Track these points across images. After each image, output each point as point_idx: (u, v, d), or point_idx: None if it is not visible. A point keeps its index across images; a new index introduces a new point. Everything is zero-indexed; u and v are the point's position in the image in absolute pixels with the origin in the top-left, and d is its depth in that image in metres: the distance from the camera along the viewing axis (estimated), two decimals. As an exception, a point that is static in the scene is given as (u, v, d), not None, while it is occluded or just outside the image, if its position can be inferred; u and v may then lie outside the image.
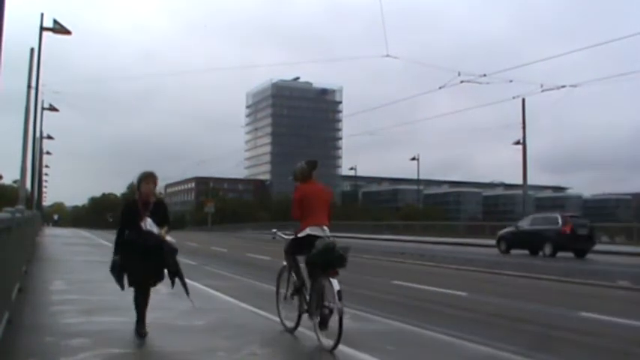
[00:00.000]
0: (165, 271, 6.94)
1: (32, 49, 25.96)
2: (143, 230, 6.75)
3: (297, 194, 7.47)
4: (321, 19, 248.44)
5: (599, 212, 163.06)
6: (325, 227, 7.35)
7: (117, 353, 6.18)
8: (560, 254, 26.71)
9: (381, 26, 32.69)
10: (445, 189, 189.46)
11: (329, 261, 6.74)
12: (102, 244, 31.25)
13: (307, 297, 7.22)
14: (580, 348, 7.81)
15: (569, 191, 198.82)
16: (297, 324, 7.47)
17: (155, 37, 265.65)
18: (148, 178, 6.98)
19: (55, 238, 37.28)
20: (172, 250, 6.83)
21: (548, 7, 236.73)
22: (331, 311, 6.69)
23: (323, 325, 6.78)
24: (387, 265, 21.66)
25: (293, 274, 7.56)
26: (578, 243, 26.89)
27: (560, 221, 27.65)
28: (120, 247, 6.91)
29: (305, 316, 7.31)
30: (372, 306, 10.37)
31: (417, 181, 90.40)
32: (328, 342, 6.64)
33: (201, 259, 21.33)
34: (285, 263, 7.80)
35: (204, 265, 18.28)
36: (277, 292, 8.09)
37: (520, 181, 47.75)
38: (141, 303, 6.95)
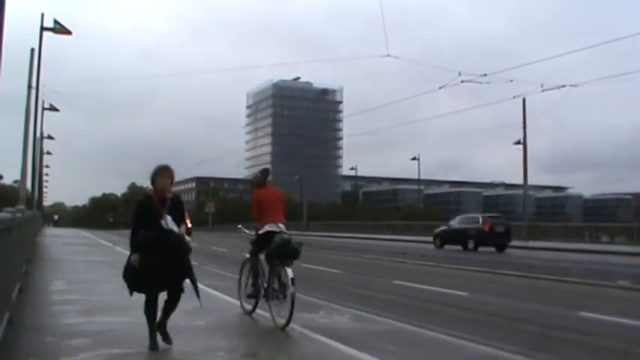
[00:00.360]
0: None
1: (32, 50, 25.94)
2: (165, 229, 6.24)
3: (255, 198, 8.75)
4: (322, 18, 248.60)
5: (600, 212, 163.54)
6: (281, 224, 8.58)
7: (118, 353, 6.18)
8: (483, 249, 30.84)
9: (381, 26, 32.75)
10: (446, 189, 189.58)
11: (285, 253, 8.05)
12: (102, 244, 31.23)
13: (265, 284, 8.46)
14: (580, 348, 7.82)
15: (570, 191, 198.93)
16: (255, 307, 8.72)
17: (155, 37, 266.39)
18: (164, 171, 6.46)
19: (56, 238, 37.26)
20: (187, 250, 6.39)
21: (548, 7, 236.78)
22: (285, 296, 7.81)
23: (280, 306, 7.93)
24: (388, 265, 21.65)
25: (253, 266, 8.83)
26: (496, 239, 31.23)
27: (480, 220, 32.52)
28: (136, 248, 6.26)
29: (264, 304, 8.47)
30: (373, 306, 10.40)
31: (418, 181, 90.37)
32: (281, 321, 7.79)
33: (201, 259, 21.30)
34: (247, 256, 9.08)
35: (204, 265, 18.26)
36: (239, 280, 9.38)
37: (520, 181, 47.86)
38: (153, 311, 6.40)
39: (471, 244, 31.61)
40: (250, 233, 9.08)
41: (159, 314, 6.42)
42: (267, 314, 8.38)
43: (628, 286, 14.66)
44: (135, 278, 6.24)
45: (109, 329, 7.42)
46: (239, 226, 10.31)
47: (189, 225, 6.59)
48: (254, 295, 8.64)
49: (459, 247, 32.17)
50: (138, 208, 6.44)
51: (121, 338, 6.85)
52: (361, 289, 13.88)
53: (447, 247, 33.12)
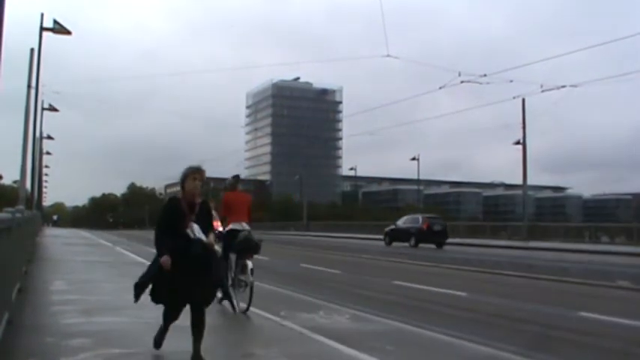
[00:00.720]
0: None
1: (32, 49, 25.93)
2: (192, 239, 5.66)
3: (224, 200, 10.20)
4: (322, 18, 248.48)
5: (599, 212, 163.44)
6: (244, 223, 9.89)
7: (117, 353, 6.17)
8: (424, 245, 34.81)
9: (381, 26, 32.82)
10: (445, 189, 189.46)
11: (246, 248, 9.36)
12: (102, 244, 31.23)
13: (232, 275, 9.66)
14: (580, 348, 7.83)
15: (569, 191, 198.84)
16: (223, 297, 9.55)
17: (155, 37, 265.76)
18: (195, 173, 5.84)
19: (55, 238, 37.25)
20: (217, 263, 5.90)
21: (548, 7, 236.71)
22: (247, 284, 9.13)
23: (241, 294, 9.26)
24: (386, 265, 21.65)
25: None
26: (434, 237, 35.06)
27: (420, 220, 36.66)
28: (161, 254, 5.67)
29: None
30: (372, 306, 10.40)
31: (418, 181, 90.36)
32: (243, 305, 9.12)
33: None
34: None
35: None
36: None
37: (520, 182, 47.85)
38: (172, 318, 5.98)
39: (412, 241, 35.47)
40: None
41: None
42: (266, 314, 8.40)
43: (628, 287, 14.66)
44: (156, 287, 5.75)
45: (109, 329, 7.42)
46: None
47: (219, 229, 6.25)
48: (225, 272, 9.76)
49: (405, 244, 35.93)
50: (164, 212, 5.87)
51: (121, 338, 6.85)
52: (360, 289, 13.88)
53: (394, 244, 37.07)
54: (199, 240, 5.65)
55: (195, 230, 5.69)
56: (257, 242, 9.41)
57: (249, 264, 9.17)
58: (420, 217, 38.06)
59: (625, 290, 14.26)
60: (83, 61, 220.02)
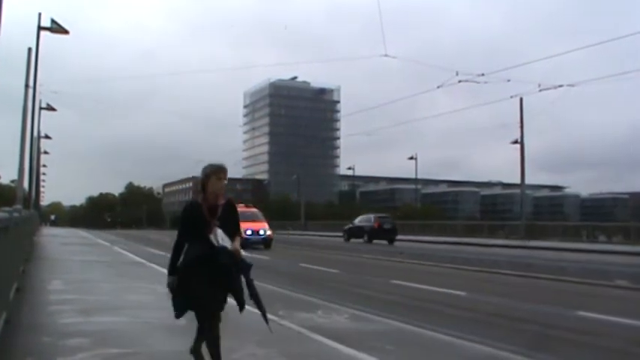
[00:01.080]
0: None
1: (30, 49, 25.87)
2: (216, 246, 5.04)
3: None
4: (320, 18, 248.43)
5: (597, 211, 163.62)
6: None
7: (115, 353, 6.15)
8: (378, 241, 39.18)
9: (379, 25, 32.92)
10: (443, 188, 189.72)
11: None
12: (100, 243, 31.19)
13: None
14: (578, 347, 7.81)
15: (567, 190, 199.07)
16: None
17: (154, 37, 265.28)
18: (220, 172, 5.20)
19: (53, 237, 37.20)
20: (248, 267, 5.21)
21: (546, 6, 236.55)
22: None
23: None
24: (386, 264, 21.64)
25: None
26: (384, 234, 39.81)
27: (372, 219, 41.78)
28: (177, 265, 5.19)
29: None
30: (372, 306, 10.38)
31: (415, 181, 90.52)
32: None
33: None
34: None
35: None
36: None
37: (518, 181, 47.86)
38: (209, 328, 5.28)
39: (366, 238, 40.48)
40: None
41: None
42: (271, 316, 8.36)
43: (626, 286, 14.68)
44: (176, 300, 5.21)
45: (107, 329, 7.40)
46: None
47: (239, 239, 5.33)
48: None
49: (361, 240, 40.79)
50: (183, 217, 5.27)
51: (119, 338, 6.83)
52: (360, 288, 13.86)
53: (352, 240, 42.19)
54: (224, 248, 5.04)
55: (219, 236, 5.06)
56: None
57: None
58: (372, 216, 43.33)
59: (623, 289, 14.28)
60: (81, 61, 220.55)
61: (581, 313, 10.01)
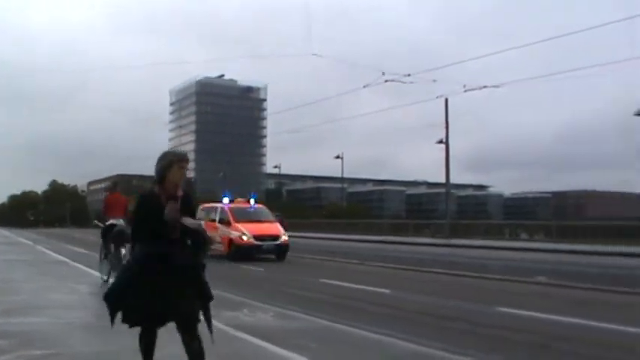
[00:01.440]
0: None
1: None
2: (193, 222, 4.72)
3: (106, 200, 13.54)
4: (249, 17, 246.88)
5: (520, 210, 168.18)
6: (121, 219, 12.85)
7: (39, 355, 5.99)
8: None
9: (307, 25, 33.07)
10: (369, 187, 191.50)
11: (121, 238, 12.23)
12: (21, 242, 30.25)
13: (112, 260, 12.60)
14: (499, 342, 7.99)
15: (491, 190, 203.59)
16: (109, 277, 12.31)
17: (79, 32, 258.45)
18: (182, 161, 4.73)
19: (-31, 237, 35.92)
20: (202, 267, 4.89)
21: (474, 8, 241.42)
22: (120, 265, 10.65)
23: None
24: (313, 263, 21.73)
25: (105, 248, 13.23)
26: None
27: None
28: (137, 261, 4.69)
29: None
30: (299, 304, 10.41)
31: (341, 180, 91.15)
32: (104, 277, 12.68)
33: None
34: (101, 241, 13.55)
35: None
36: (99, 258, 13.82)
37: (443, 180, 48.69)
38: (150, 344, 4.97)
39: None
40: (102, 225, 13.42)
41: None
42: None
43: (545, 282, 15.12)
44: (116, 306, 4.64)
45: (30, 330, 7.23)
46: (95, 221, 15.51)
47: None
48: (106, 257, 13.13)
49: None
50: (137, 209, 4.81)
51: (43, 339, 6.67)
52: (286, 287, 13.89)
53: None
54: (200, 224, 4.76)
55: (188, 221, 4.64)
56: (129, 234, 10.64)
57: (123, 250, 12.27)
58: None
59: (542, 285, 14.71)
60: (4, 56, 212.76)
61: (503, 309, 10.29)
